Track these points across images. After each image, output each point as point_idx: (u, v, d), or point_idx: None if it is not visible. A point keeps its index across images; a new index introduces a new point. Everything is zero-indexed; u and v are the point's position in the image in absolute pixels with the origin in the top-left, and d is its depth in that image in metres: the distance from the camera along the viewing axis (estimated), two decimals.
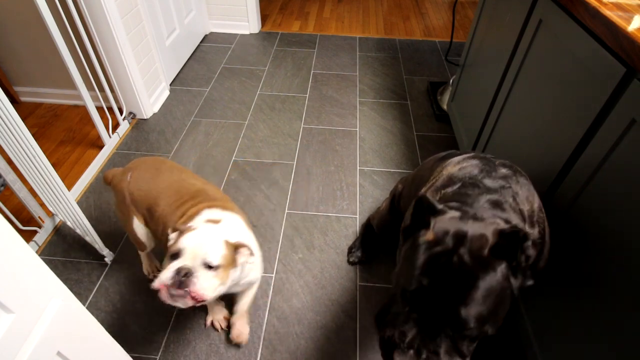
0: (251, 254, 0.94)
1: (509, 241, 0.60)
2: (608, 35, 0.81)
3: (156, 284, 0.85)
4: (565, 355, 0.91)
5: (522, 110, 1.21)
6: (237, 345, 1.21)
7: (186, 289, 0.84)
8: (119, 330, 1.24)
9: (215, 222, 0.97)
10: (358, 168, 1.84)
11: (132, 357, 1.00)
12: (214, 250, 0.88)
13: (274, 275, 1.41)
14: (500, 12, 1.42)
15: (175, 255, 0.87)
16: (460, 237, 0.63)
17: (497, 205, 0.73)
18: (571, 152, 0.93)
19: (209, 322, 1.25)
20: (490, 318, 0.60)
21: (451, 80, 2.15)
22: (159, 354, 1.19)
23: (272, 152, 1.91)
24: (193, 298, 0.85)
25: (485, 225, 0.65)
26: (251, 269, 1.04)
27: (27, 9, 1.80)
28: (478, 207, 0.72)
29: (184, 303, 0.86)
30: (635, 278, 0.71)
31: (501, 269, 0.61)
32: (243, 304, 1.19)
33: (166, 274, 0.85)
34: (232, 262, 0.92)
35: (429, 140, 2.00)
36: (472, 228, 0.64)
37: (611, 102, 0.81)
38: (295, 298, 1.34)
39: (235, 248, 0.92)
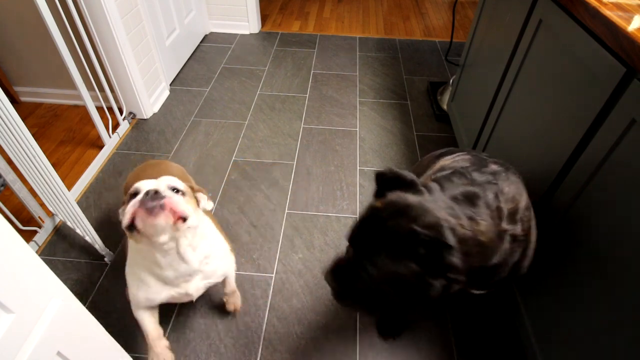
0: (208, 199, 0.95)
1: (418, 243, 0.65)
2: (608, 35, 0.81)
3: (127, 215, 0.78)
4: (565, 355, 0.91)
5: (522, 110, 1.21)
6: (234, 313, 1.28)
7: (162, 202, 0.78)
8: (119, 330, 1.24)
9: None
10: (358, 168, 1.84)
11: (132, 357, 1.00)
12: (175, 180, 0.87)
13: (274, 275, 1.41)
14: (500, 12, 1.42)
15: (135, 194, 0.81)
16: (398, 213, 0.69)
17: (469, 199, 0.76)
18: (571, 152, 0.93)
19: None
20: (388, 282, 0.69)
21: (451, 80, 2.15)
22: None
23: (272, 152, 1.91)
24: (173, 211, 0.79)
25: (427, 215, 0.69)
26: (218, 257, 1.02)
27: (27, 9, 1.80)
28: (448, 194, 0.76)
29: (165, 217, 0.78)
30: (635, 278, 0.71)
31: (405, 263, 0.67)
32: (228, 284, 1.20)
33: (133, 201, 0.78)
34: (194, 200, 0.90)
35: (429, 140, 2.00)
36: (416, 210, 0.69)
37: (611, 102, 0.81)
38: (295, 298, 1.34)
39: (193, 190, 0.91)
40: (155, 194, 0.79)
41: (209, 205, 0.96)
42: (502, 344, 1.23)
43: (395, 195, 0.73)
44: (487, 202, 0.76)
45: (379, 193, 0.77)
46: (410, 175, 0.75)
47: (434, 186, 0.77)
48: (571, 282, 0.90)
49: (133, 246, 0.95)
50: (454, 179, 0.80)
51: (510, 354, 1.21)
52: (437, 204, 0.72)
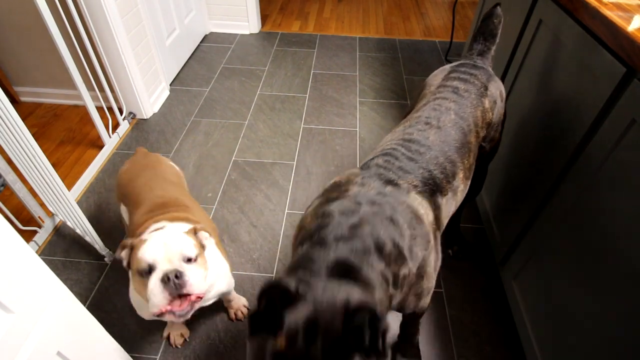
0: (207, 237, 0.94)
1: (359, 323, 0.50)
2: (608, 35, 0.81)
3: (156, 308, 0.80)
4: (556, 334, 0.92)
5: (521, 111, 1.21)
6: (240, 320, 1.26)
7: (185, 294, 0.81)
8: (119, 330, 1.24)
9: (159, 229, 0.94)
10: None
11: (132, 357, 1.00)
12: (186, 242, 0.85)
13: (274, 275, 1.41)
14: None
15: (148, 271, 0.81)
16: (312, 331, 0.51)
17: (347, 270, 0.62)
18: (571, 153, 0.93)
19: (165, 335, 1.22)
20: None
21: None
22: (159, 354, 1.19)
23: (272, 152, 1.91)
24: (196, 300, 0.83)
25: (336, 304, 0.53)
26: (218, 282, 1.00)
27: (27, 9, 1.80)
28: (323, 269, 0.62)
29: (190, 312, 0.84)
30: (634, 281, 0.71)
31: None
32: (228, 296, 1.22)
33: (157, 291, 0.79)
34: (202, 248, 0.91)
35: None
36: (323, 312, 0.52)
37: (611, 102, 0.81)
38: None
39: (195, 233, 0.91)
40: (176, 278, 0.80)
41: (210, 242, 0.95)
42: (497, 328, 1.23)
43: (296, 314, 0.52)
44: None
45: (266, 325, 0.53)
46: (293, 285, 0.55)
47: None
48: (570, 282, 0.90)
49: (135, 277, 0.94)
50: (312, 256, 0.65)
51: (509, 349, 1.21)
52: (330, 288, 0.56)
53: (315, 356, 0.49)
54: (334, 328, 0.51)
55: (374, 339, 0.50)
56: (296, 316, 0.52)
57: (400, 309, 0.80)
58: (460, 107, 0.93)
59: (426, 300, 0.85)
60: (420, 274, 0.75)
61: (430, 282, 0.80)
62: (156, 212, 1.04)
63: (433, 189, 0.81)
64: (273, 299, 0.53)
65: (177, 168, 1.31)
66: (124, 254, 0.86)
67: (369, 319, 0.50)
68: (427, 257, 0.76)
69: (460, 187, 0.89)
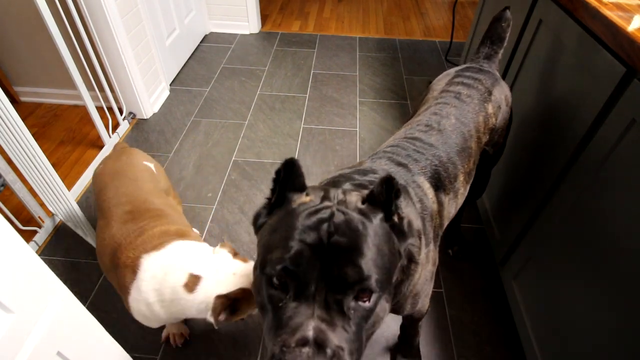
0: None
1: (383, 188, 0.54)
2: (608, 35, 0.81)
3: None
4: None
5: (521, 111, 1.21)
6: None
7: None
8: (119, 330, 1.24)
9: (191, 286, 0.90)
10: None
11: (132, 357, 1.00)
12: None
13: None
14: None
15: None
16: (336, 196, 0.58)
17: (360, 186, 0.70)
18: (571, 153, 0.93)
19: (165, 335, 1.21)
20: (382, 271, 0.53)
21: None
22: (159, 354, 1.19)
23: (272, 152, 1.91)
24: None
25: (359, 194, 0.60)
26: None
27: (27, 9, 1.80)
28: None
29: None
30: (633, 281, 0.71)
31: (378, 219, 0.56)
32: None
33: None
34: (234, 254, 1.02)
35: None
36: (348, 194, 0.59)
37: (611, 102, 0.81)
38: None
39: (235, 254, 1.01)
40: None
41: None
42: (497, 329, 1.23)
43: (320, 189, 0.59)
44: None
45: (289, 188, 0.59)
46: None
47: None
48: (570, 282, 0.90)
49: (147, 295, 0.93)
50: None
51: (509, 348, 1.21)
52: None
53: (341, 209, 0.54)
54: (359, 196, 0.58)
55: (389, 199, 0.55)
56: (321, 188, 0.60)
57: (396, 309, 0.80)
58: (461, 112, 0.92)
59: (424, 304, 0.85)
60: (429, 257, 0.76)
61: (429, 284, 0.80)
62: (124, 228, 0.99)
63: (438, 184, 0.81)
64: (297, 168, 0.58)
65: (150, 165, 1.22)
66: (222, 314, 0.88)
67: (392, 183, 0.54)
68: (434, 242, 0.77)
69: (461, 190, 0.89)
